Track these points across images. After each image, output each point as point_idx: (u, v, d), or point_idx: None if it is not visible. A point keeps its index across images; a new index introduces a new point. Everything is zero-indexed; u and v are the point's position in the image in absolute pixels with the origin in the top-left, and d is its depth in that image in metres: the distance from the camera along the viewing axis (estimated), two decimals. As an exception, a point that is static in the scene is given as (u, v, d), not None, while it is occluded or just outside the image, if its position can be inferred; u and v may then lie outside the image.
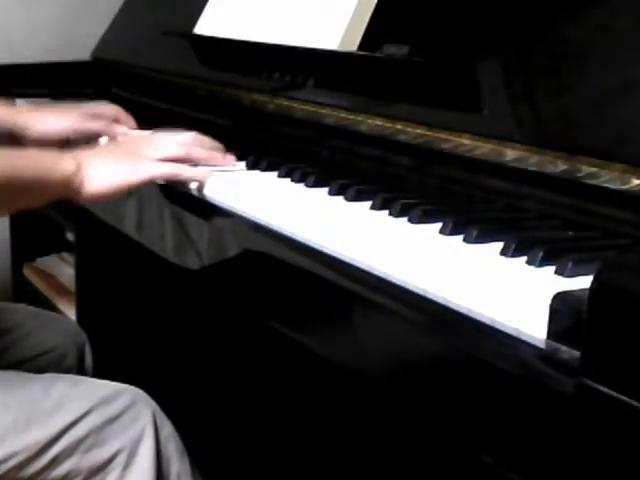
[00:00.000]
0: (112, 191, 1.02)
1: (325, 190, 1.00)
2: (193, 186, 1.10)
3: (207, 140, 1.13)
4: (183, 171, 1.07)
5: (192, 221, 1.13)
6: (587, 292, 0.61)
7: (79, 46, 1.90)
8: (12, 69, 1.77)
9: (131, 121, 1.38)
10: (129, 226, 1.32)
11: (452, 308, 0.73)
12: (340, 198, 0.98)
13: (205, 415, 1.55)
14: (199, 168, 1.09)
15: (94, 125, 1.34)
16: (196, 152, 1.10)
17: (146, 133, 1.23)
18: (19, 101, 1.71)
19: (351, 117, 1.15)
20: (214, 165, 1.10)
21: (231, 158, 1.13)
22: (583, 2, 0.96)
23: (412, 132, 1.05)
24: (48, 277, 2.16)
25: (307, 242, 0.90)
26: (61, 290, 2.08)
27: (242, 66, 1.42)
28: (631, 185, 0.81)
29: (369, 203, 0.94)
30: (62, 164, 1.00)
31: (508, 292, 0.70)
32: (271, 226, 0.96)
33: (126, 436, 1.01)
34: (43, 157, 1.02)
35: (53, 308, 1.98)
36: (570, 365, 0.62)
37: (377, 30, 1.16)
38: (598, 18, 0.93)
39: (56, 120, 1.31)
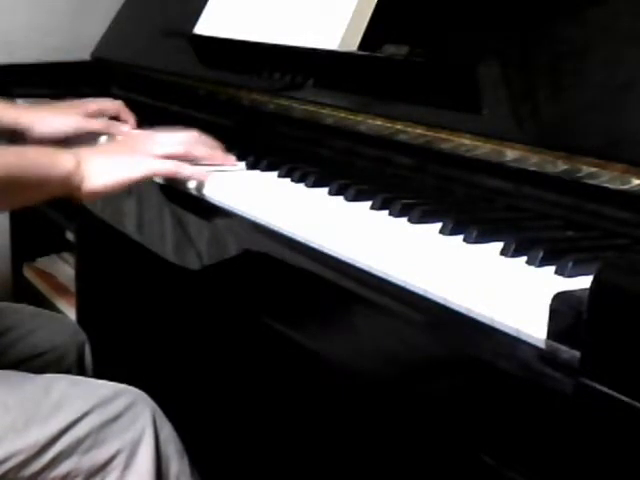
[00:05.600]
0: (111, 188, 1.03)
1: (325, 190, 1.00)
2: (193, 185, 1.10)
3: (208, 139, 1.13)
4: (182, 169, 1.07)
5: (192, 221, 1.13)
6: (587, 292, 0.61)
7: (79, 46, 1.90)
8: (12, 69, 1.77)
9: (132, 118, 1.39)
10: (129, 226, 1.32)
11: (452, 308, 0.72)
12: (340, 198, 0.98)
13: (205, 416, 1.55)
14: (199, 167, 1.09)
15: (95, 124, 1.35)
16: (197, 150, 1.10)
17: (147, 132, 1.24)
18: (19, 101, 1.71)
19: (351, 117, 1.15)
20: (214, 164, 1.11)
21: (231, 158, 1.13)
22: (583, 2, 0.96)
23: (412, 132, 1.05)
24: (48, 277, 2.16)
25: (307, 242, 0.90)
26: (61, 290, 2.08)
27: (242, 66, 1.42)
28: (631, 185, 0.81)
29: (369, 203, 0.94)
30: (62, 161, 1.00)
31: (508, 292, 0.69)
32: (271, 226, 0.96)
33: (126, 437, 1.01)
34: (43, 154, 1.02)
35: (53, 308, 1.98)
36: (570, 365, 0.62)
37: (377, 30, 1.16)
38: (598, 18, 0.93)
39: (58, 120, 1.32)
